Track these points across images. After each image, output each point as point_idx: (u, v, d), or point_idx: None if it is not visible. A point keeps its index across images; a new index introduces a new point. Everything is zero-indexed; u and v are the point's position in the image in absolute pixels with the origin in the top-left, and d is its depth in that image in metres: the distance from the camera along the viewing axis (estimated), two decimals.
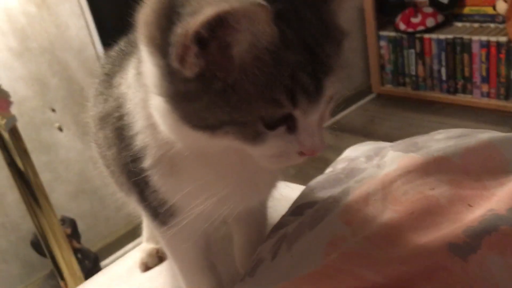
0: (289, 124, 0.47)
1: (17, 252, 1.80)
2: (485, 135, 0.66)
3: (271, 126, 0.46)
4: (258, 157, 0.50)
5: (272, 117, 0.46)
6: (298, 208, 0.71)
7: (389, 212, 0.56)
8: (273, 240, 0.67)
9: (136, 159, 0.57)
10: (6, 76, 1.68)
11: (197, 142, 0.49)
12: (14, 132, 1.56)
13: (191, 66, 0.43)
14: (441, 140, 0.67)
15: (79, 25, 1.89)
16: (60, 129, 1.90)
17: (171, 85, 0.46)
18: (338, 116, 2.98)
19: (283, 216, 0.72)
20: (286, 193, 0.74)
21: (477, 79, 2.64)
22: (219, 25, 0.41)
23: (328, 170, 0.80)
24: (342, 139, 2.68)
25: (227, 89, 0.44)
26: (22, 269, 1.85)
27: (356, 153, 0.78)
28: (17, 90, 1.74)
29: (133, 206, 0.75)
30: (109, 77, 0.64)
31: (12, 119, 1.53)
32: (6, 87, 1.52)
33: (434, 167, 0.60)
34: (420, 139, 0.69)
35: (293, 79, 0.44)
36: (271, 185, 0.68)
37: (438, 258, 0.48)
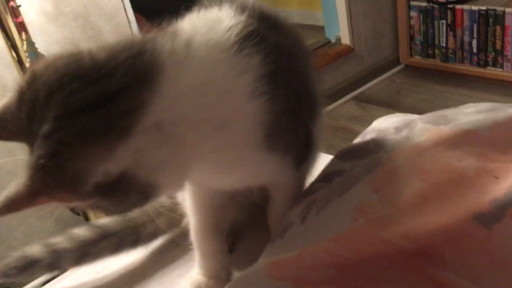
0: None
1: (51, 209, 1.89)
2: None
3: None
4: None
5: None
6: (327, 175, 0.74)
7: (417, 182, 0.58)
8: (302, 205, 0.70)
9: None
10: (42, 40, 1.73)
11: None
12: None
13: None
14: (471, 113, 0.69)
15: None
16: None
17: None
18: (364, 87, 2.97)
19: (313, 183, 0.75)
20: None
21: (508, 52, 2.59)
22: None
23: (357, 140, 0.82)
24: (367, 110, 2.68)
25: None
26: (56, 226, 1.94)
27: (385, 124, 0.80)
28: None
29: None
30: None
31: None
32: (42, 51, 1.56)
33: (463, 140, 0.62)
34: (450, 112, 0.71)
35: None
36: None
37: (463, 226, 0.51)
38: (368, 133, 0.80)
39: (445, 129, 0.64)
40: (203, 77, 0.49)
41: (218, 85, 0.50)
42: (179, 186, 0.57)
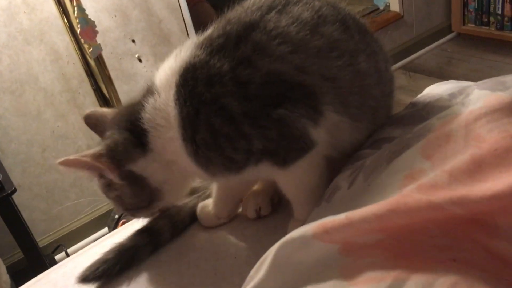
0: None
1: None
2: None
3: None
4: None
5: None
6: (376, 142, 0.73)
7: (471, 149, 0.57)
8: (350, 170, 0.70)
9: None
10: (92, 7, 1.75)
11: None
12: (99, 60, 1.65)
13: None
14: None
15: None
16: (140, 59, 1.98)
17: None
18: (413, 56, 2.87)
19: (361, 149, 0.74)
20: None
21: None
22: None
23: (408, 107, 0.80)
24: (415, 80, 2.60)
25: None
26: None
27: (438, 90, 0.77)
28: (101, 21, 1.81)
29: None
30: None
31: (97, 48, 1.61)
32: (91, 17, 1.59)
33: None
34: (509, 78, 0.68)
35: None
36: None
37: None
38: (420, 100, 0.78)
39: (503, 96, 0.61)
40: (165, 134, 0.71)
41: (169, 133, 0.70)
42: (178, 196, 0.83)
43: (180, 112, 0.68)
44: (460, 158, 0.56)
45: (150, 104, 0.71)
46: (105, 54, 1.69)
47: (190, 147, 0.69)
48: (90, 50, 1.61)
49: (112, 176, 0.73)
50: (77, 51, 1.65)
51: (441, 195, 0.52)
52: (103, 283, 0.76)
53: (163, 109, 0.70)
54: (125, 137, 0.73)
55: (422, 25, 2.92)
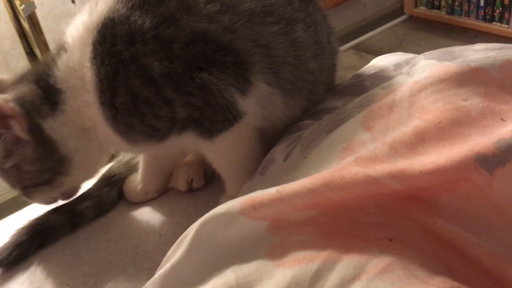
0: None
1: None
2: None
3: None
4: None
5: None
6: (317, 112, 0.68)
7: (414, 120, 0.53)
8: (287, 142, 0.64)
9: None
10: None
11: None
12: (33, 22, 1.52)
13: None
14: (480, 50, 0.62)
15: None
16: None
17: None
18: (364, 37, 2.86)
19: (300, 120, 0.68)
20: None
21: None
22: None
23: (353, 77, 0.75)
24: (366, 60, 2.58)
25: None
26: None
27: (384, 62, 0.73)
28: None
29: None
30: None
31: (30, 5, 1.49)
32: None
33: (469, 78, 0.55)
34: (457, 48, 0.64)
35: None
36: None
37: (462, 169, 0.45)
38: (366, 71, 0.74)
39: (451, 65, 0.57)
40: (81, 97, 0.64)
41: (85, 96, 0.63)
42: (89, 172, 0.72)
43: (97, 73, 0.61)
44: (402, 130, 0.52)
45: (64, 62, 0.63)
46: (41, 15, 1.56)
47: (108, 112, 0.62)
48: (22, 8, 1.49)
49: (19, 127, 0.63)
50: (8, 8, 1.51)
51: (380, 168, 0.48)
52: None
53: (77, 69, 0.63)
54: (31, 88, 0.64)
55: (375, 5, 2.90)
